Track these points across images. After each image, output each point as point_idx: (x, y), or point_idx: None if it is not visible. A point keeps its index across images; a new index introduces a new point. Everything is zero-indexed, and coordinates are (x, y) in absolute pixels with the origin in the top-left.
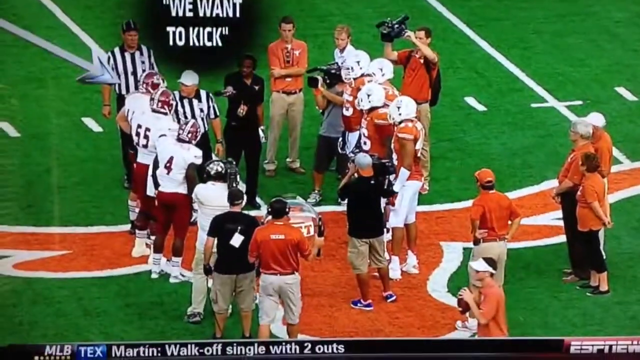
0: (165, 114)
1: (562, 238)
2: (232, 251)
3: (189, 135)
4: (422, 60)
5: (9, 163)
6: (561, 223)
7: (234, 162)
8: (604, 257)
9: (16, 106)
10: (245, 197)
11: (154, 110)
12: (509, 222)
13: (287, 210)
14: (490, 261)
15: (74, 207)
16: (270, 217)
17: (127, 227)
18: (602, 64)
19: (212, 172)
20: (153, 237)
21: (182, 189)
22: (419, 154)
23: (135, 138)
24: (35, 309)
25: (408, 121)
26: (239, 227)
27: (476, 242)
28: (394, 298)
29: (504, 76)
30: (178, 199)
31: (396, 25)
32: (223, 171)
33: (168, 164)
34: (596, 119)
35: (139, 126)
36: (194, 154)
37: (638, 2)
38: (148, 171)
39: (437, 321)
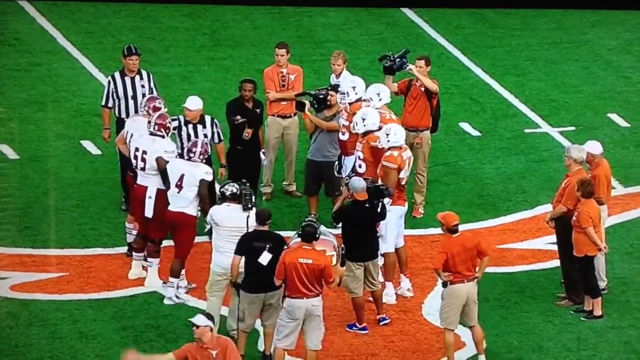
0: (162, 137)
1: (556, 262)
2: (260, 269)
3: (201, 156)
4: (422, 89)
5: (7, 185)
6: (555, 247)
7: (248, 183)
8: (606, 282)
9: (15, 129)
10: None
11: (151, 133)
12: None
13: (317, 235)
14: (208, 316)
15: (71, 229)
16: (299, 239)
17: (124, 249)
18: (594, 90)
19: (227, 193)
20: (150, 259)
21: (190, 209)
22: (403, 182)
23: (133, 161)
24: (31, 331)
25: (395, 149)
26: (267, 246)
27: (445, 284)
28: (387, 321)
29: (498, 102)
30: (182, 219)
31: (397, 59)
32: (238, 192)
33: (179, 182)
34: (593, 146)
35: (137, 149)
36: (204, 170)
37: (630, 30)
38: (146, 193)
39: (432, 345)
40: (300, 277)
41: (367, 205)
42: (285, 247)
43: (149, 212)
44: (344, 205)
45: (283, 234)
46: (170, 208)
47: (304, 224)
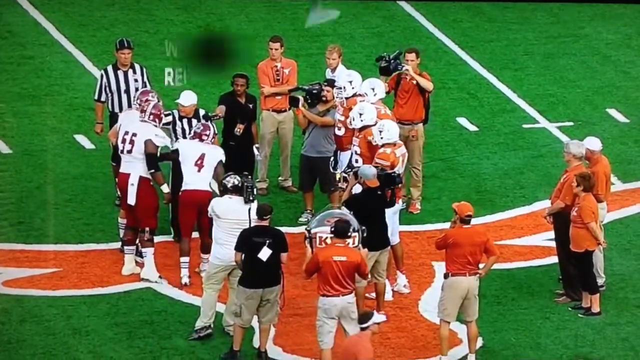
0: (155, 126)
1: (554, 259)
2: (259, 265)
3: (212, 139)
4: (414, 82)
5: (0, 180)
6: (553, 244)
7: (250, 176)
8: (604, 279)
9: (9, 123)
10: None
11: (142, 121)
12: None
13: (350, 232)
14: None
15: (65, 224)
16: (331, 235)
17: (118, 245)
18: (593, 85)
19: (229, 185)
20: (144, 250)
21: (210, 187)
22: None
23: (120, 145)
24: (24, 327)
25: (388, 146)
26: (267, 241)
27: (446, 275)
28: (384, 319)
29: (496, 97)
30: (209, 197)
31: (392, 60)
32: (240, 184)
33: (199, 161)
34: (592, 142)
35: (126, 132)
36: (222, 152)
37: (629, 24)
38: (129, 180)
39: (428, 342)
40: (335, 275)
41: (378, 192)
42: (309, 237)
43: (131, 199)
44: (354, 194)
45: (280, 229)
46: (189, 187)
47: (336, 220)
